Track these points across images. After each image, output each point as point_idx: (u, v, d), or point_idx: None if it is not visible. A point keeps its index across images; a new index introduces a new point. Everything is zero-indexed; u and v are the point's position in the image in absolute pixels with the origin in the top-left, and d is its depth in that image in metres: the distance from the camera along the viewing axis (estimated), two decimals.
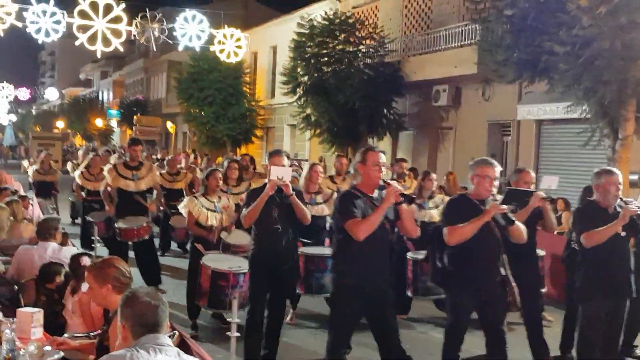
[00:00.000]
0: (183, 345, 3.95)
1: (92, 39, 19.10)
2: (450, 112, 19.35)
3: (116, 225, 9.07)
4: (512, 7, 11.16)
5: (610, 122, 11.01)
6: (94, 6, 18.75)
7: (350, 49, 20.02)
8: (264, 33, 30.23)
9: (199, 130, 30.50)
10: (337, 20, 20.36)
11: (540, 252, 7.51)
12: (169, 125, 42.17)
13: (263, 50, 31.09)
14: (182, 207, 7.87)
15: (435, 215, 8.31)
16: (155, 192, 10.23)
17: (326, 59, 19.93)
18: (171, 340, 3.33)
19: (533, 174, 6.72)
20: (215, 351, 6.97)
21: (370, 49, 20.07)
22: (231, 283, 6.67)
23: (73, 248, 6.89)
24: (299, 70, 20.76)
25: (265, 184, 6.30)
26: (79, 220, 15.03)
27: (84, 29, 18.91)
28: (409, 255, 7.92)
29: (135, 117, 42.26)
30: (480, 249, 5.29)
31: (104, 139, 56.79)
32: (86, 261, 5.47)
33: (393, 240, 6.18)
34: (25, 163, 21.83)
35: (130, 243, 9.30)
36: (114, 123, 54.07)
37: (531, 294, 6.42)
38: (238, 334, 5.16)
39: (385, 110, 19.67)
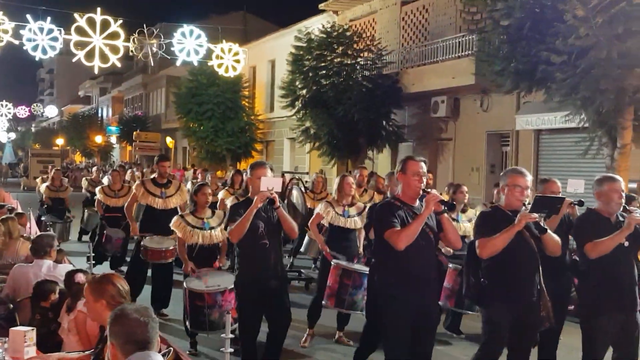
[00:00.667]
0: None
1: (90, 56, 19.11)
2: (449, 123, 19.34)
3: (142, 243, 8.75)
4: (508, 17, 11.15)
5: (609, 131, 10.99)
6: (91, 22, 18.77)
7: (349, 62, 20.02)
8: (262, 47, 30.29)
9: (199, 145, 30.53)
10: (335, 33, 20.37)
11: None
12: (168, 140, 42.24)
13: (261, 64, 31.16)
14: (172, 226, 7.57)
15: (469, 229, 8.07)
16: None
17: (324, 71, 19.93)
18: (165, 358, 3.27)
19: (560, 184, 6.47)
20: None
21: (368, 62, 20.07)
22: (207, 303, 6.39)
23: (69, 265, 6.83)
24: (297, 83, 20.77)
25: (248, 198, 6.14)
26: (86, 239, 14.95)
27: (81, 45, 18.93)
28: (452, 266, 7.66)
29: (134, 133, 42.32)
30: (515, 262, 5.12)
31: (103, 155, 56.92)
32: (81, 278, 5.41)
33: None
34: (24, 180, 21.81)
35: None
36: (113, 139, 54.17)
37: (557, 309, 6.03)
38: (232, 350, 5.08)
39: (384, 122, 19.65)
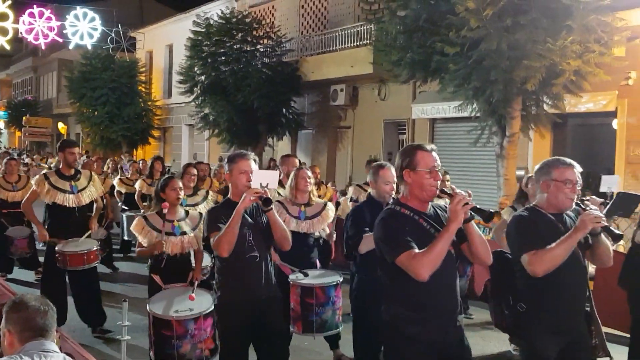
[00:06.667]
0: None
1: None
2: (348, 112, 19.63)
3: (57, 249, 7.11)
4: (404, 8, 11.41)
5: (498, 120, 11.44)
6: None
7: (248, 48, 19.98)
8: (159, 31, 29.69)
9: (93, 131, 29.58)
10: (234, 19, 20.27)
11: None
12: (60, 126, 40.80)
13: (159, 49, 30.52)
14: (133, 229, 5.98)
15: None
16: (95, 205, 7.83)
17: (224, 58, 19.81)
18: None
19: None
20: None
21: (268, 49, 20.09)
22: (176, 332, 4.93)
23: None
24: (196, 69, 20.52)
25: (228, 199, 4.91)
26: None
27: None
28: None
29: (24, 118, 40.61)
30: (561, 280, 3.87)
31: None
32: None
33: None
34: None
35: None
36: (1, 125, 51.81)
37: None
38: (129, 337, 4.87)
39: (284, 110, 19.76)
